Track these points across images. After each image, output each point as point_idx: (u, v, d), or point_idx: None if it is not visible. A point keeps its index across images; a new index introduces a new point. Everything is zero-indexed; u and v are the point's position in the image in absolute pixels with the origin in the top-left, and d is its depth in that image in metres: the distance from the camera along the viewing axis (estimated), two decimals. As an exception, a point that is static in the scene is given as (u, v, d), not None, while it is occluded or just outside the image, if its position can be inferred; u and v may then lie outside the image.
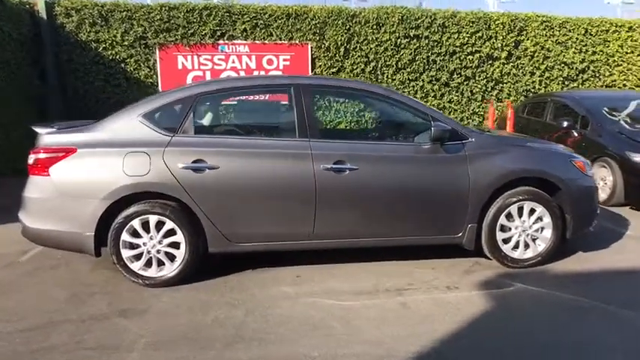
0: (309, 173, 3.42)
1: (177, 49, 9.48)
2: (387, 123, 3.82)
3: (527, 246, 3.77)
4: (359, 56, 9.84)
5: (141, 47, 9.33)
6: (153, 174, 3.32)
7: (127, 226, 3.37)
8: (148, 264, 3.45)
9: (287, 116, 3.52)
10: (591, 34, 10.36)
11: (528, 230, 3.73)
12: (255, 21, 9.49)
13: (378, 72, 9.93)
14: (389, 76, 9.96)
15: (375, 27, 9.75)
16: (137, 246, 3.43)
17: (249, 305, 3.18)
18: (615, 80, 10.62)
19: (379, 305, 3.18)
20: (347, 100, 3.74)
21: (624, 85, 10.66)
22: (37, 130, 3.51)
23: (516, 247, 3.75)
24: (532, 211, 3.71)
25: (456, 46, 10.02)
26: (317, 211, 3.46)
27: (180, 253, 3.45)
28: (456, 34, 9.96)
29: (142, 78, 9.45)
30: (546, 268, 3.79)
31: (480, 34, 10.02)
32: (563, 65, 10.40)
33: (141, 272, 3.44)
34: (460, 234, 3.66)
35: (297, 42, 9.69)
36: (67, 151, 3.33)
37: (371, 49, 9.82)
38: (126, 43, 9.24)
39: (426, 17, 9.81)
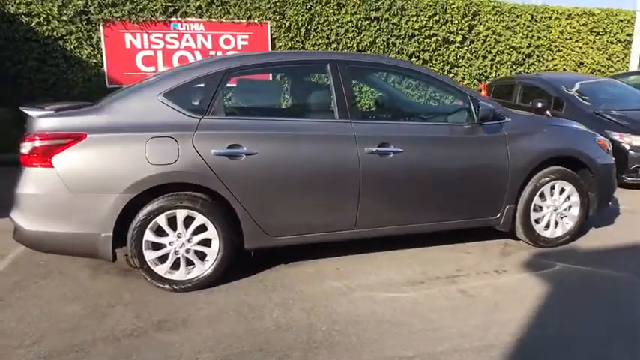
0: (353, 157, 3.14)
1: (124, 26, 8.59)
2: (423, 102, 3.63)
3: (556, 225, 3.78)
4: (320, 37, 9.54)
5: (82, 23, 8.34)
6: (182, 162, 2.87)
7: (151, 224, 2.90)
8: (175, 266, 3.01)
9: (324, 95, 3.20)
10: (536, 20, 10.85)
11: (559, 209, 3.74)
12: (210, -3, 8.83)
13: (339, 54, 9.69)
14: (350, 59, 9.76)
15: (335, 7, 9.48)
16: (162, 246, 2.98)
17: (304, 305, 2.87)
18: (557, 65, 11.25)
19: (441, 294, 3.01)
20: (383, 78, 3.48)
21: (564, 69, 11.32)
22: (28, 112, 2.90)
23: (547, 226, 3.75)
24: (561, 191, 3.72)
25: (415, 29, 10.04)
26: (360, 198, 3.20)
27: (213, 251, 3.04)
28: (415, 17, 9.97)
29: (84, 58, 8.47)
30: (573, 245, 3.84)
31: (437, 17, 10.11)
32: (512, 50, 10.81)
33: (167, 276, 2.99)
34: (498, 215, 3.59)
35: (255, 21, 9.17)
36: (75, 137, 2.77)
37: (332, 30, 9.56)
38: (64, 17, 8.19)
39: (386, -1, 9.71)
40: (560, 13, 10.98)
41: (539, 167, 3.59)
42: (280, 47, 9.38)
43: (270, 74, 3.79)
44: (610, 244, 3.92)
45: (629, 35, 11.27)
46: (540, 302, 2.91)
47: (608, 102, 6.60)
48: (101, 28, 8.44)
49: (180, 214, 2.94)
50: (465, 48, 10.49)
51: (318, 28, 9.49)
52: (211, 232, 3.01)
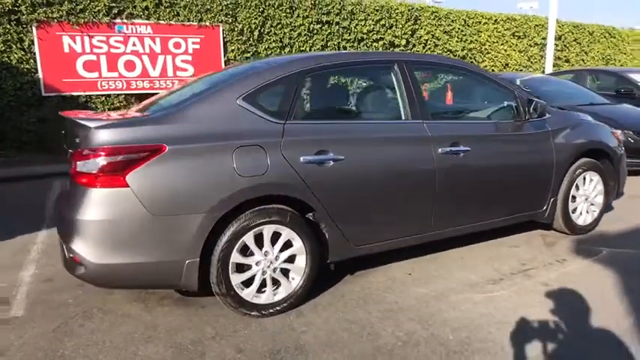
0: (430, 158, 3.07)
1: (61, 27, 7.70)
2: (479, 100, 3.65)
3: (586, 213, 4.02)
4: (274, 41, 9.33)
5: (11, 24, 7.33)
6: (272, 172, 2.58)
7: (238, 243, 2.58)
8: (259, 288, 2.71)
9: (395, 96, 3.08)
10: (468, 25, 11.58)
11: (590, 198, 3.97)
12: (158, -2, 8.22)
13: (293, 58, 9.54)
14: (303, 63, 9.65)
15: (288, 11, 9.33)
16: (248, 267, 2.66)
17: (409, 315, 2.72)
18: (486, 66, 12.08)
19: (528, 289, 3.03)
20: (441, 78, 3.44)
21: (493, 70, 12.20)
22: (82, 122, 2.44)
23: (579, 215, 3.97)
24: (589, 181, 3.96)
25: (364, 33, 10.21)
26: (435, 199, 3.14)
27: (299, 269, 2.78)
28: (363, 21, 10.14)
29: (13, 63, 7.46)
30: (600, 231, 4.10)
31: (383, 22, 10.38)
32: (448, 52, 11.42)
33: (254, 300, 2.67)
34: (545, 208, 3.72)
35: (207, 24, 8.72)
36: (153, 150, 2.37)
37: (285, 33, 9.39)
38: (-11, 17, 7.15)
39: (337, 3, 9.75)
40: (488, 19, 11.82)
41: (574, 160, 3.79)
42: (233, 51, 9.02)
43: (341, 75, 3.52)
44: (630, 226, 4.23)
45: (544, 39, 12.45)
46: (621, 284, 3.05)
47: (559, 98, 7.16)
48: (34, 29, 7.48)
49: (268, 230, 2.64)
50: (409, 51, 10.88)
51: (271, 31, 9.27)
52: (297, 247, 2.75)
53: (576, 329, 2.55)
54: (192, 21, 8.57)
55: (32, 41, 7.50)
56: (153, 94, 8.45)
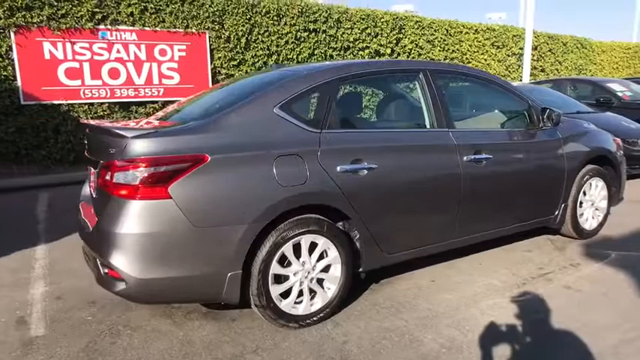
0: (456, 166, 3.10)
1: (42, 33, 7.43)
2: (497, 108, 3.71)
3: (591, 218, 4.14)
4: (261, 49, 9.28)
5: (-11, 29, 7.04)
6: (312, 181, 2.55)
7: (278, 254, 2.53)
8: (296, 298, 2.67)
9: (419, 104, 3.10)
10: (450, 35, 11.83)
11: (595, 203, 4.10)
12: (143, 4, 8.06)
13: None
14: (290, 70, 9.63)
15: (275, 18, 9.31)
16: (286, 278, 2.62)
17: (445, 322, 2.72)
18: (466, 75, 12.35)
19: (553, 293, 3.07)
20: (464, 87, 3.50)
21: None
22: (118, 131, 2.36)
23: (586, 220, 4.08)
24: (596, 186, 4.09)
25: (350, 42, 10.29)
26: (461, 206, 3.17)
27: (334, 278, 2.75)
28: (349, 29, 10.21)
29: (-9, 70, 7.15)
30: (603, 235, 4.22)
31: (368, 30, 10.48)
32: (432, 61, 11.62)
33: (293, 312, 2.63)
34: (556, 213, 3.81)
35: (193, 31, 8.60)
36: (196, 160, 2.30)
37: (272, 41, 9.36)
38: (-34, 22, 6.85)
39: (323, 12, 9.80)
40: (469, 28, 12.11)
41: (582, 167, 3.90)
42: (220, 58, 8.92)
43: (370, 83, 3.51)
44: (631, 230, 4.37)
45: (521, 49, 12.85)
46: (636, 284, 3.15)
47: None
48: (12, 35, 7.20)
49: (307, 240, 2.61)
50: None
51: (258, 38, 9.22)
52: (333, 257, 2.72)
53: (612, 329, 2.61)
54: (179, 28, 8.44)
55: (10, 47, 7.20)
56: (138, 103, 8.29)
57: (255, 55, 9.24)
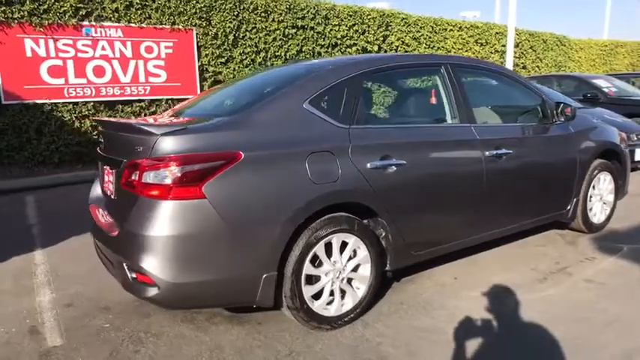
0: (479, 161, 3.07)
1: (23, 29, 7.14)
2: (513, 103, 3.69)
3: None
4: (249, 45, 9.14)
5: (-33, 25, 6.72)
6: (344, 179, 2.47)
7: (310, 254, 2.45)
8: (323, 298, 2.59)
9: (443, 99, 3.05)
10: (436, 32, 11.90)
11: (604, 197, 4.15)
12: (129, -1, 7.82)
13: (268, 63, 9.41)
14: (278, 68, 9.52)
15: (263, 15, 9.18)
16: (317, 279, 2.54)
17: (479, 317, 2.70)
18: (451, 72, 12.44)
19: (576, 287, 3.08)
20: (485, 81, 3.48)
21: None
22: (146, 128, 2.23)
23: (595, 214, 4.12)
24: (604, 180, 4.13)
25: (338, 39, 10.23)
26: (483, 202, 3.15)
27: (363, 277, 2.68)
28: (337, 26, 10.16)
29: (-31, 68, 6.82)
30: (611, 229, 4.27)
31: (356, 27, 10.44)
32: (416, 59, 11.65)
33: (324, 313, 2.55)
34: (568, 208, 3.83)
35: (180, 27, 8.40)
36: (230, 157, 2.19)
37: (260, 38, 9.23)
38: (-57, 17, 6.52)
39: (311, 8, 9.71)
40: (454, 26, 12.20)
41: (592, 161, 3.93)
42: (207, 55, 8.74)
43: (394, 77, 3.43)
44: (635, 223, 4.44)
45: (504, 46, 13.02)
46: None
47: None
48: (-8, 31, 6.89)
49: (338, 239, 2.54)
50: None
51: (246, 35, 9.07)
52: (363, 256, 2.65)
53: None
54: (165, 24, 8.23)
55: (-9, 44, 6.90)
56: (124, 102, 8.04)
57: (243, 52, 9.10)
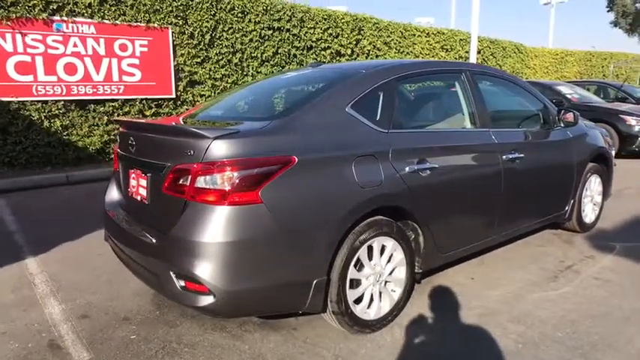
0: (498, 164, 3.17)
1: (-12, 22, 6.70)
2: (519, 108, 3.82)
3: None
4: (225, 46, 8.99)
5: None
6: (387, 183, 2.49)
7: (355, 258, 2.45)
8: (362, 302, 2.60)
9: (465, 104, 3.13)
10: (405, 37, 12.15)
11: (594, 199, 4.38)
12: (102, -5, 7.51)
13: (244, 64, 9.29)
14: (254, 69, 9.44)
15: (240, 15, 9.06)
16: (358, 283, 2.54)
17: (503, 317, 2.75)
18: (419, 77, 12.74)
19: (587, 284, 3.22)
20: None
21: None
22: (196, 130, 2.16)
23: (586, 214, 4.35)
24: (594, 183, 4.37)
25: (313, 41, 10.25)
26: (501, 203, 3.26)
27: (399, 280, 2.71)
28: (312, 29, 10.17)
29: None
30: (600, 228, 4.52)
31: (330, 30, 10.50)
32: (387, 63, 11.86)
33: (365, 317, 2.56)
34: (566, 209, 4.02)
35: (155, 25, 8.15)
36: (285, 162, 2.16)
37: (237, 38, 9.11)
38: None
39: (287, 10, 9.68)
40: (421, 32, 12.51)
41: (587, 164, 4.15)
42: (183, 55, 8.53)
43: (426, 82, 3.46)
44: (619, 222, 4.70)
45: (467, 52, 13.47)
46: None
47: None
48: (-46, 24, 6.43)
49: (379, 243, 2.55)
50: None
51: (222, 35, 8.92)
52: (398, 259, 2.68)
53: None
54: (140, 21, 7.96)
55: (-46, 37, 6.43)
56: (96, 101, 7.70)
57: (220, 52, 8.94)
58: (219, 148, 2.08)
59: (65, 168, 7.36)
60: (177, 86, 8.52)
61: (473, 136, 3.12)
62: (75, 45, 7.44)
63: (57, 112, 7.35)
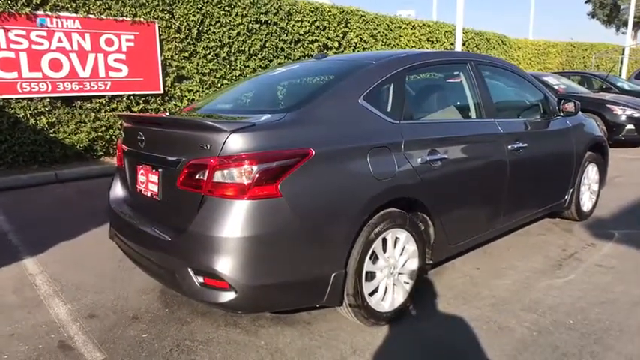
0: (503, 154, 3.19)
1: (-31, 18, 6.49)
2: (521, 98, 3.84)
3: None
4: (213, 40, 8.87)
5: None
6: (400, 174, 2.48)
7: (370, 251, 2.44)
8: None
9: (471, 94, 3.13)
10: (391, 30, 12.16)
11: (591, 187, 4.45)
12: (87, -12, 7.33)
13: (232, 58, 9.19)
14: (242, 63, 9.34)
15: (227, 9, 8.94)
16: (372, 275, 2.53)
17: (515, 306, 2.78)
18: (406, 69, 12.77)
19: (591, 271, 3.28)
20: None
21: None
22: (214, 124, 2.12)
23: (584, 202, 4.41)
24: (592, 171, 4.43)
25: (300, 35, 10.17)
26: (506, 193, 3.28)
27: (411, 271, 2.69)
28: (300, 22, 10.10)
29: None
30: (596, 215, 4.59)
31: (317, 23, 10.44)
32: (375, 56, 11.86)
33: (380, 309, 2.55)
34: (566, 197, 4.07)
35: (142, 20, 7.99)
36: (302, 155, 2.13)
37: (224, 32, 8.99)
38: None
39: (274, 3, 9.58)
40: (407, 24, 12.53)
41: (585, 153, 4.21)
42: (170, 49, 8.39)
43: (433, 73, 3.44)
44: (614, 210, 4.78)
45: (452, 44, 13.54)
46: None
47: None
48: None
49: (392, 235, 2.55)
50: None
51: (210, 29, 8.79)
52: (411, 251, 2.68)
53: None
54: (126, 16, 7.79)
55: None
56: (83, 98, 7.53)
57: (207, 46, 8.82)
58: (237, 142, 2.04)
59: (53, 166, 7.19)
60: (164, 81, 8.38)
61: (480, 126, 3.13)
62: (60, 40, 7.25)
63: (43, 109, 7.17)
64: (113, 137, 7.86)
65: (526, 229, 4.18)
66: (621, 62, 19.86)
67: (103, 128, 7.72)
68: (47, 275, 3.38)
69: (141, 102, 8.14)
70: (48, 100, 7.20)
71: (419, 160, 2.58)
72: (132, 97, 8.06)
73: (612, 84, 11.22)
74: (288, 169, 2.08)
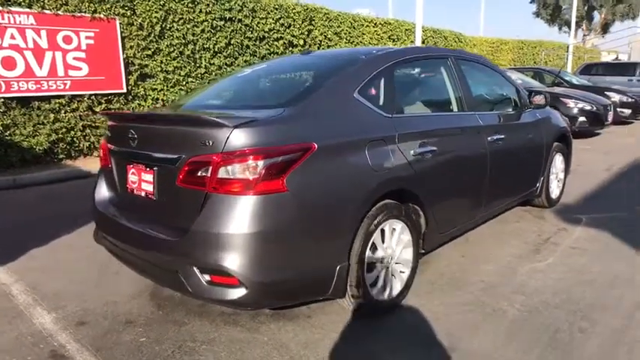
0: (484, 146, 3.31)
1: None
2: (495, 92, 3.97)
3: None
4: (176, 37, 8.67)
5: None
6: (397, 167, 2.53)
7: (370, 242, 2.48)
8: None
9: (453, 88, 3.21)
10: (354, 27, 12.27)
11: (559, 175, 4.68)
12: (41, -17, 7.00)
13: (197, 55, 9.02)
14: (207, 60, 9.19)
15: (190, 5, 8.76)
16: (373, 266, 2.57)
17: (504, 289, 2.89)
18: (368, 66, 12.94)
19: (568, 255, 3.46)
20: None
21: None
22: (216, 120, 2.09)
23: (552, 190, 4.63)
24: (559, 161, 4.66)
25: (265, 32, 10.10)
26: (487, 183, 3.40)
27: (406, 261, 2.76)
28: (264, 19, 10.02)
29: None
30: (563, 202, 4.83)
31: (282, 21, 10.39)
32: (338, 53, 11.94)
33: (379, 298, 2.60)
34: (537, 185, 4.27)
35: (101, 16, 7.71)
36: (306, 149, 2.14)
37: (188, 29, 8.80)
38: None
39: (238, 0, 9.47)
40: (369, 22, 12.68)
41: (552, 143, 4.42)
42: (132, 47, 8.13)
43: (420, 68, 3.48)
44: (578, 196, 5.05)
45: (412, 42, 13.82)
46: (620, 236, 3.75)
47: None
48: None
49: (390, 226, 2.59)
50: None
51: (173, 26, 8.59)
52: (407, 241, 2.74)
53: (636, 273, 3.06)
54: (85, 12, 7.49)
55: None
56: (40, 98, 7.18)
57: (171, 44, 8.61)
58: (240, 137, 2.02)
59: (9, 170, 6.83)
60: (127, 80, 8.12)
61: (463, 119, 3.23)
62: (12, 37, 6.88)
63: (-4, 111, 6.79)
64: (75, 139, 7.55)
65: (501, 218, 4.34)
66: (566, 59, 20.92)
67: (64, 130, 7.39)
68: (23, 284, 3.22)
69: (103, 102, 7.86)
70: (2, 100, 6.82)
71: (411, 152, 2.64)
72: (93, 96, 7.76)
73: (562, 79, 11.78)
74: (293, 164, 2.08)
